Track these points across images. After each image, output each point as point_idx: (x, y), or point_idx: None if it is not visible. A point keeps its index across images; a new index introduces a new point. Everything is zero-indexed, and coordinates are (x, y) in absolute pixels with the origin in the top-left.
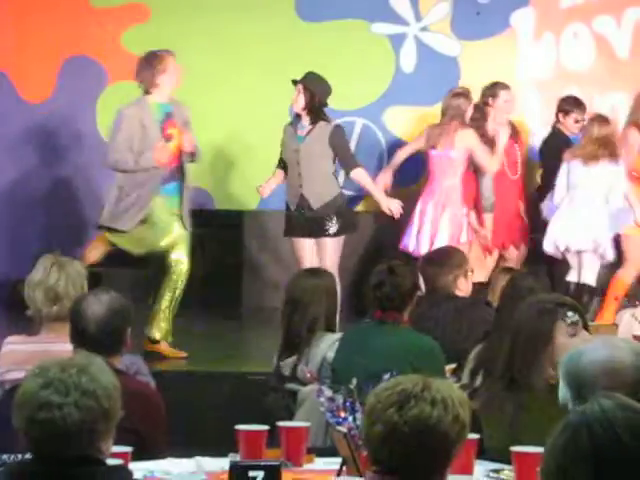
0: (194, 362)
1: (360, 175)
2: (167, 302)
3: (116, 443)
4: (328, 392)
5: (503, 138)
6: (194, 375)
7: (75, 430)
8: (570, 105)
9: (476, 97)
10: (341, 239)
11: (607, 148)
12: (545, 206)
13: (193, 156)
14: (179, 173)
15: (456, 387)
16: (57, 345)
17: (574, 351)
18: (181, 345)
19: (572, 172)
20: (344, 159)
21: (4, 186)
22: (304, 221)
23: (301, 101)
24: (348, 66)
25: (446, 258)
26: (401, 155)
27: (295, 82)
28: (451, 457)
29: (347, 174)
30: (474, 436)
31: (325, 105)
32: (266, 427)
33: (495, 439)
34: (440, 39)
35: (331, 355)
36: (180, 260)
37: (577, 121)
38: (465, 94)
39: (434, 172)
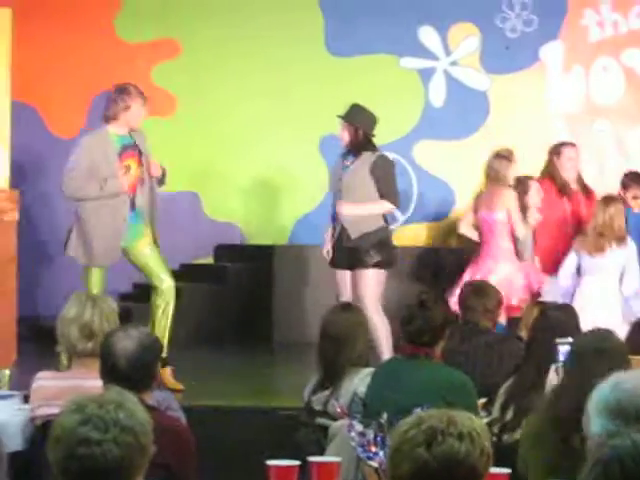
0: (225, 397)
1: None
2: (164, 327)
3: (147, 478)
4: (359, 427)
5: (534, 197)
6: (224, 410)
7: (114, 466)
8: (630, 180)
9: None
10: (381, 273)
11: (612, 234)
12: (553, 286)
13: (161, 180)
14: (137, 203)
15: (477, 419)
16: (89, 381)
17: (608, 385)
18: (210, 380)
19: (582, 260)
20: (382, 190)
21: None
22: (343, 252)
23: (346, 136)
24: (378, 101)
25: (490, 293)
26: (462, 227)
27: (340, 117)
28: None
29: None
30: (505, 470)
31: (372, 136)
32: (297, 462)
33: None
34: (469, 73)
35: (363, 390)
36: (164, 280)
37: (636, 197)
38: (506, 156)
39: (484, 234)
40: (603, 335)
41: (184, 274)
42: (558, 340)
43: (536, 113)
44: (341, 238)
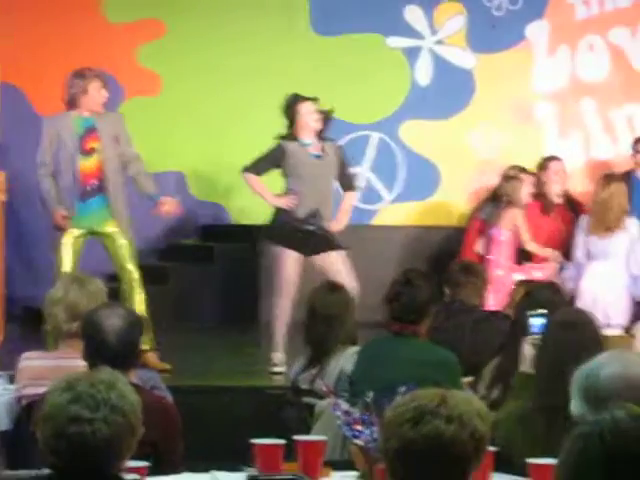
0: (211, 376)
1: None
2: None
3: (133, 457)
4: (344, 405)
5: (518, 219)
6: (211, 389)
7: (103, 445)
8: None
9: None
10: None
11: (613, 213)
12: (567, 276)
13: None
14: (103, 188)
15: (476, 400)
16: (75, 361)
17: (589, 367)
18: (198, 359)
19: (587, 242)
20: (348, 180)
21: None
22: (313, 237)
23: (320, 123)
24: (364, 80)
25: (479, 271)
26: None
27: (313, 99)
28: (468, 472)
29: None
30: (490, 449)
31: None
32: (283, 441)
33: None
34: (455, 52)
35: (349, 368)
36: (129, 269)
37: None
38: (516, 177)
39: (493, 250)
40: (575, 310)
41: (170, 254)
42: (530, 312)
43: (522, 92)
44: (315, 222)
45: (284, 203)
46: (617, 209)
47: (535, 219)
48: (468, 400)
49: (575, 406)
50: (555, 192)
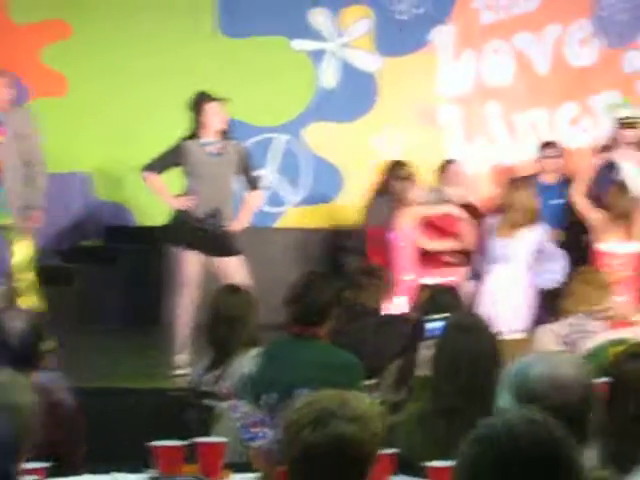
0: (114, 378)
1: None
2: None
3: (33, 458)
4: (243, 407)
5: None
6: (114, 391)
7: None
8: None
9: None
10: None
11: (521, 216)
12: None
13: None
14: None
15: (371, 401)
16: None
17: (518, 366)
18: (101, 361)
19: (492, 244)
20: (251, 179)
21: None
22: (212, 237)
23: (226, 119)
24: (269, 82)
25: (381, 274)
26: None
27: (221, 100)
28: (366, 473)
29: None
30: (391, 451)
31: None
32: (183, 443)
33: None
34: (360, 55)
35: (251, 370)
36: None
37: (546, 157)
38: (408, 177)
39: (396, 253)
40: (470, 314)
41: (74, 256)
42: (426, 317)
43: (427, 95)
44: (214, 222)
45: (182, 204)
46: (523, 213)
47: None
48: (366, 401)
49: (504, 403)
50: (454, 194)
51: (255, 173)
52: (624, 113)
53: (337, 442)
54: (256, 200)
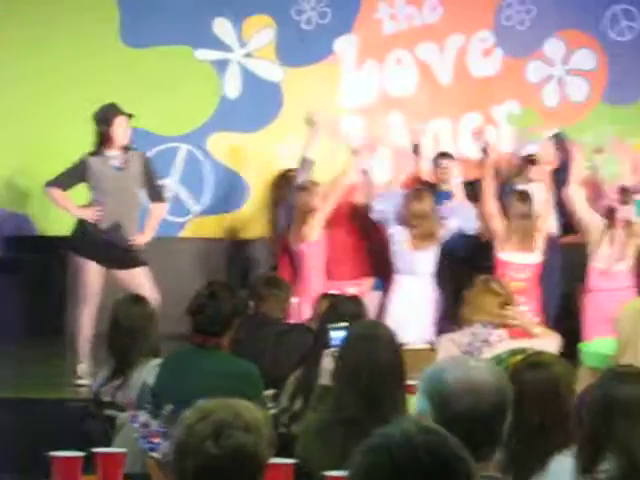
0: (17, 389)
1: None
2: None
3: None
4: (143, 417)
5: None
6: (16, 402)
7: None
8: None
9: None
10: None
11: (423, 228)
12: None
13: None
14: None
15: (257, 408)
16: None
17: (433, 370)
18: (4, 371)
19: (396, 256)
20: (155, 191)
21: None
22: (115, 250)
23: (129, 133)
24: (172, 92)
25: (282, 284)
26: None
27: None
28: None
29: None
30: (290, 461)
31: None
32: (81, 453)
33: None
34: (264, 65)
35: (151, 380)
36: None
37: (445, 167)
38: (308, 188)
39: (304, 265)
40: (373, 323)
41: None
42: (331, 325)
43: (330, 105)
44: (116, 235)
45: (88, 215)
46: (434, 222)
47: (338, 234)
48: (252, 408)
49: (420, 405)
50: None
51: (159, 184)
52: (531, 149)
53: (237, 453)
54: (160, 212)
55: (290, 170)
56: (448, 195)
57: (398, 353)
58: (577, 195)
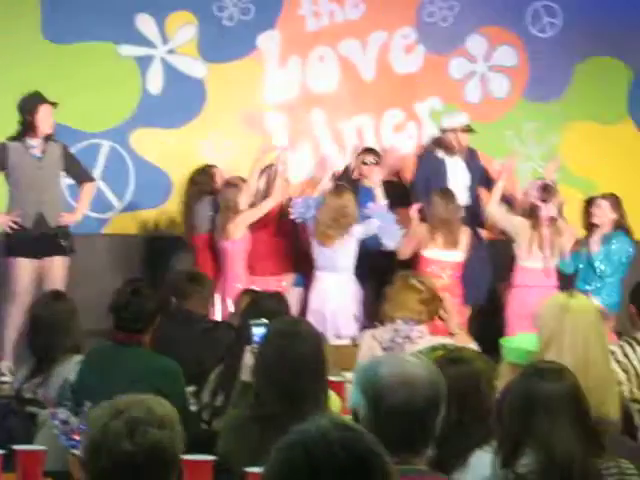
0: None
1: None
2: None
3: None
4: (63, 415)
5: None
6: None
7: None
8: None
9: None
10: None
11: (341, 224)
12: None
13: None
14: None
15: (167, 403)
16: None
17: (371, 362)
18: None
19: (315, 251)
20: (80, 172)
21: None
22: (36, 241)
23: (53, 122)
24: (95, 88)
25: (205, 281)
26: None
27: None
28: (175, 476)
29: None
30: (209, 458)
31: None
32: (1, 451)
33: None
34: (187, 61)
35: (73, 377)
36: None
37: (365, 164)
38: (236, 184)
39: (227, 261)
40: (293, 320)
41: None
42: (252, 321)
43: (253, 101)
44: (39, 226)
45: (5, 222)
46: (351, 218)
47: (261, 230)
48: (163, 403)
49: (354, 399)
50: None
51: (83, 166)
52: (463, 119)
53: (152, 450)
54: (90, 190)
55: (209, 166)
56: (371, 192)
57: (319, 349)
58: (497, 213)
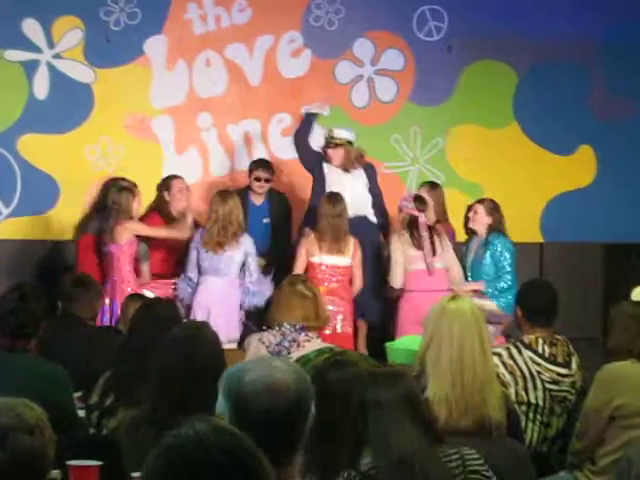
0: None
1: None
2: None
3: None
4: None
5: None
6: None
7: None
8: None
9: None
10: None
11: (229, 230)
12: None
13: None
14: None
15: (37, 407)
16: None
17: (236, 368)
18: None
19: (201, 258)
20: None
21: None
22: None
23: None
24: None
25: (92, 285)
26: None
27: None
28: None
29: None
30: (96, 463)
31: None
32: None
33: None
34: (73, 66)
35: None
36: None
37: (258, 179)
38: (129, 188)
39: (115, 266)
40: (197, 325)
41: None
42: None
43: (141, 106)
44: None
45: None
46: (236, 225)
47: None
48: (32, 407)
49: (219, 406)
50: (178, 210)
51: None
52: (343, 134)
53: (23, 456)
54: None
55: (119, 179)
56: (261, 211)
57: (218, 355)
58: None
